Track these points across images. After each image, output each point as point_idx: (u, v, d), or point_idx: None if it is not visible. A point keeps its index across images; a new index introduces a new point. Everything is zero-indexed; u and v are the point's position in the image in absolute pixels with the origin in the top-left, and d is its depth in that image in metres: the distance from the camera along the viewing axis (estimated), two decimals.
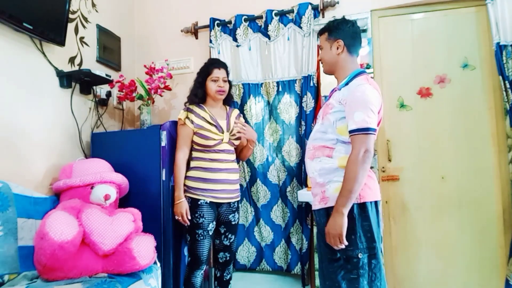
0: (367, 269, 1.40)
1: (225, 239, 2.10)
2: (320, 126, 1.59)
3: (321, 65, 1.75)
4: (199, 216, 1.96)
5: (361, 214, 1.42)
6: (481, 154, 2.29)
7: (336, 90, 1.59)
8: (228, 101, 2.22)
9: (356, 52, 1.63)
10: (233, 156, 2.11)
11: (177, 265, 2.11)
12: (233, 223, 2.10)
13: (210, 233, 2.00)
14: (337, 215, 1.35)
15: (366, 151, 1.37)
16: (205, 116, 2.06)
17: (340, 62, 1.59)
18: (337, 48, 1.58)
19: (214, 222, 2.03)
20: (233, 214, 2.10)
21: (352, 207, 1.40)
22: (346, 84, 1.53)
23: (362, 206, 1.43)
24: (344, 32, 1.58)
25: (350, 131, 1.42)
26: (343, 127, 1.48)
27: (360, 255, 1.39)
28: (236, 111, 2.26)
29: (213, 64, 2.11)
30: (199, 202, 1.98)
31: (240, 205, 2.24)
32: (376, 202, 1.49)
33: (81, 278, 1.53)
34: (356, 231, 1.40)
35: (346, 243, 1.36)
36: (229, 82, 2.16)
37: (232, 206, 2.09)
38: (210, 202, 1.99)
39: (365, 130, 1.38)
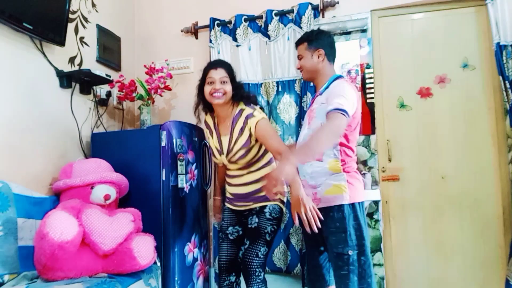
0: (357, 265, 1.49)
1: (243, 246, 1.80)
2: (308, 130, 1.66)
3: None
4: (222, 220, 1.99)
5: (351, 214, 1.51)
6: (481, 154, 2.29)
7: (318, 96, 1.69)
8: (240, 101, 1.84)
9: (334, 60, 1.75)
10: (245, 170, 1.83)
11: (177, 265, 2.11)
12: (249, 226, 1.81)
13: (230, 237, 1.89)
14: (286, 162, 1.35)
15: (336, 125, 1.42)
16: (212, 132, 1.90)
17: (321, 69, 1.69)
18: (318, 57, 1.69)
19: (237, 227, 1.91)
20: (251, 217, 1.82)
21: (343, 207, 1.51)
22: (327, 87, 1.64)
23: (352, 206, 1.53)
24: (324, 42, 1.70)
25: (327, 112, 1.47)
26: None
27: (350, 252, 1.48)
28: (245, 113, 1.77)
29: (209, 65, 1.86)
30: (224, 207, 2.01)
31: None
32: (363, 203, 1.59)
33: (81, 278, 1.53)
34: (346, 230, 1.50)
35: (282, 190, 1.40)
36: (235, 82, 1.83)
37: (253, 209, 1.84)
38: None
39: (341, 110, 1.43)
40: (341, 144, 1.58)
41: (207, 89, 1.78)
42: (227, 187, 1.96)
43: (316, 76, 1.71)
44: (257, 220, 1.78)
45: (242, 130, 1.77)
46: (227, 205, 1.97)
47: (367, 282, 1.49)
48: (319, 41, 1.69)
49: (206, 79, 1.80)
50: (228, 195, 1.96)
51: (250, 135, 1.75)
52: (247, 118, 1.76)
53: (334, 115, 1.43)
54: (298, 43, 1.76)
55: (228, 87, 1.78)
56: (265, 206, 1.79)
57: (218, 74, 1.78)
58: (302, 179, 1.62)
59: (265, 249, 1.74)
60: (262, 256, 1.72)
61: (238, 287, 1.90)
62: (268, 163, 1.87)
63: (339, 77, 1.68)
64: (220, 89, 1.75)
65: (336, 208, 1.53)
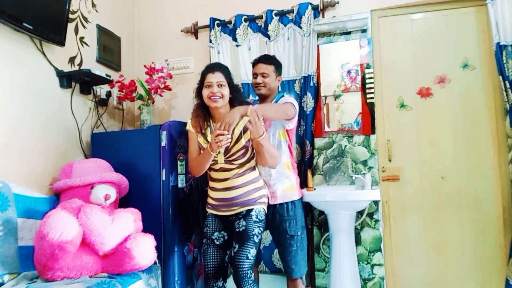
0: (301, 241, 1.96)
1: (232, 250, 1.80)
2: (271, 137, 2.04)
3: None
4: (205, 226, 1.94)
5: (299, 206, 1.99)
6: (481, 154, 2.29)
7: None
8: (239, 105, 1.85)
9: None
10: (233, 172, 1.84)
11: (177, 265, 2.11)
12: (236, 230, 1.81)
13: (216, 242, 1.88)
14: (237, 110, 1.78)
15: (287, 107, 1.91)
16: (206, 132, 1.89)
17: (275, 91, 2.11)
18: (278, 82, 2.10)
19: (223, 232, 1.90)
20: (238, 221, 1.82)
21: (295, 202, 1.96)
22: (276, 101, 2.04)
23: (300, 200, 2.01)
24: (281, 71, 2.13)
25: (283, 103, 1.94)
26: (281, 131, 1.99)
27: (299, 233, 1.95)
28: (246, 118, 1.80)
29: (207, 68, 1.88)
30: (207, 213, 1.96)
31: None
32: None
33: (81, 278, 1.53)
34: (297, 217, 1.96)
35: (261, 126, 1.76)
36: (233, 85, 1.87)
37: (240, 213, 1.85)
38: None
39: (291, 103, 1.93)
40: (288, 144, 2.02)
41: (205, 92, 1.81)
42: (210, 192, 1.92)
43: (271, 94, 2.06)
44: (244, 223, 1.79)
45: (244, 131, 1.83)
46: (210, 211, 1.93)
47: (304, 253, 1.99)
48: (280, 70, 2.11)
49: (204, 82, 1.83)
50: (211, 201, 1.92)
51: (249, 139, 1.82)
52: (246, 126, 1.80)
53: (287, 104, 1.93)
54: (266, 62, 2.04)
55: (226, 91, 1.81)
56: (251, 210, 1.82)
57: (215, 78, 1.81)
58: (263, 178, 1.94)
59: (254, 250, 1.76)
60: (252, 258, 1.74)
61: None
62: (254, 168, 1.91)
63: (283, 94, 2.16)
64: (217, 92, 1.79)
65: (291, 202, 1.95)
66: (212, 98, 1.79)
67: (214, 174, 1.89)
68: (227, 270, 1.91)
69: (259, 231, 1.81)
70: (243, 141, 1.81)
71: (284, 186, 1.95)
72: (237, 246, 1.76)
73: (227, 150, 1.82)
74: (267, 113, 1.84)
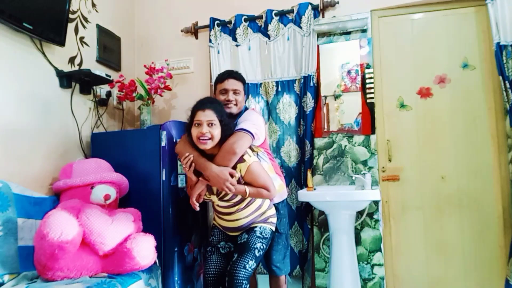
0: (286, 240, 2.03)
1: (231, 260, 1.77)
2: None
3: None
4: (211, 236, 1.93)
5: (287, 205, 2.11)
6: (481, 154, 2.29)
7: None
8: None
9: None
10: (234, 208, 1.77)
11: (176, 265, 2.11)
12: (238, 241, 1.81)
13: (221, 251, 1.85)
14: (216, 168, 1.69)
15: (236, 142, 1.69)
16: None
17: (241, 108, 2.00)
18: (245, 100, 2.02)
19: (229, 243, 1.88)
20: (241, 235, 1.82)
21: (284, 201, 2.03)
22: (239, 117, 1.93)
23: (283, 202, 2.04)
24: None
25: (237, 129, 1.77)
26: (253, 146, 1.88)
27: (286, 231, 2.03)
28: (247, 161, 1.70)
29: (197, 105, 1.73)
30: (213, 225, 1.97)
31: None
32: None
33: (81, 278, 1.53)
34: (286, 216, 2.04)
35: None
36: (225, 123, 1.71)
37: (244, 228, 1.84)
38: None
39: (244, 130, 1.73)
40: (266, 152, 1.95)
41: (194, 132, 1.69)
42: (216, 218, 1.90)
43: (238, 113, 1.95)
44: (246, 236, 1.78)
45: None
46: (217, 224, 1.92)
47: (288, 252, 2.06)
48: (246, 89, 2.08)
49: (193, 120, 1.70)
50: (218, 222, 1.91)
51: (241, 176, 1.71)
52: (237, 162, 1.69)
53: (237, 133, 1.73)
54: (237, 78, 1.96)
55: (216, 131, 1.68)
56: (255, 226, 1.80)
57: (205, 116, 1.67)
58: None
59: (253, 263, 1.71)
60: (249, 269, 1.68)
61: None
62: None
63: (246, 108, 2.04)
64: (207, 133, 1.65)
65: (281, 202, 2.00)
66: (201, 140, 1.66)
67: (217, 207, 1.84)
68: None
69: (262, 247, 1.76)
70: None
71: (277, 183, 1.87)
72: (236, 255, 1.73)
73: (218, 192, 1.76)
74: (228, 164, 1.68)
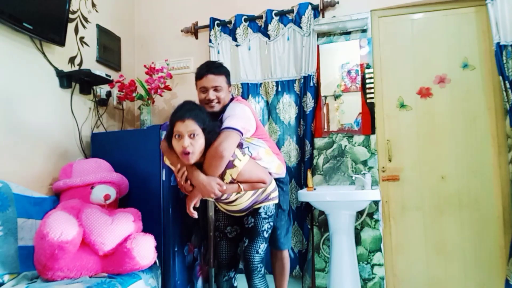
0: (288, 217, 2.07)
1: (243, 244, 1.85)
2: None
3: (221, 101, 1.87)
4: (217, 220, 2.01)
5: (285, 185, 2.02)
6: (481, 154, 2.29)
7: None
8: None
9: None
10: (233, 197, 1.74)
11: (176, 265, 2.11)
12: (246, 226, 1.83)
13: (229, 236, 1.95)
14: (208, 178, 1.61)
15: (221, 144, 1.55)
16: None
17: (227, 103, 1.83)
18: (229, 92, 1.87)
19: (236, 226, 1.94)
20: (247, 217, 1.83)
21: (284, 180, 2.00)
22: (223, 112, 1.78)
23: (285, 179, 2.02)
24: (230, 79, 1.88)
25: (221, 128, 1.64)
26: (246, 138, 1.78)
27: (288, 208, 2.05)
28: (238, 167, 1.60)
29: (175, 115, 1.56)
30: (216, 208, 2.01)
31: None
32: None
33: (81, 278, 1.53)
34: (287, 193, 2.06)
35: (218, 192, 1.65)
36: (209, 129, 1.57)
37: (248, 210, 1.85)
38: None
39: (230, 129, 1.61)
40: (260, 138, 1.84)
41: (176, 146, 1.55)
42: (219, 205, 1.92)
43: (222, 110, 1.78)
44: (253, 220, 1.81)
45: (221, 176, 1.62)
46: (221, 207, 1.94)
47: (290, 230, 2.12)
48: (230, 78, 1.85)
49: (173, 131, 1.56)
50: (221, 207, 1.93)
51: (232, 178, 1.63)
52: (226, 168, 1.59)
53: (224, 133, 1.59)
54: (216, 72, 1.76)
55: (199, 142, 1.53)
56: (259, 207, 1.82)
57: (186, 127, 1.52)
58: None
59: (264, 245, 1.82)
60: (262, 252, 1.80)
61: (235, 281, 1.98)
62: None
63: (232, 98, 1.88)
64: (188, 147, 1.51)
65: (282, 179, 2.00)
66: (184, 155, 1.53)
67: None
68: (238, 262, 1.99)
69: (269, 226, 1.84)
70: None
71: (275, 165, 1.84)
72: (247, 241, 1.82)
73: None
74: (215, 174, 1.58)
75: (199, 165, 1.62)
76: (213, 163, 1.56)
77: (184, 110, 1.56)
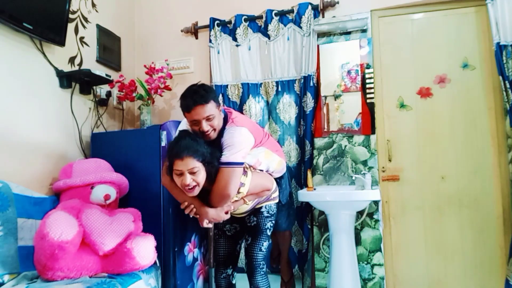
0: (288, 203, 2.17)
1: (245, 242, 1.92)
2: None
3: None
4: None
5: (284, 181, 2.13)
6: (481, 154, 2.29)
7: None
8: None
9: None
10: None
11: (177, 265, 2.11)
12: (248, 224, 1.89)
13: (228, 233, 1.99)
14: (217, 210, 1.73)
15: (227, 186, 1.61)
16: None
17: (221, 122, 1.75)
18: (220, 111, 1.75)
19: (235, 224, 1.98)
20: (249, 216, 1.90)
21: (279, 179, 2.05)
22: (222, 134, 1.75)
23: (283, 176, 2.11)
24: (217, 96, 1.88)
25: (220, 163, 1.64)
26: None
27: (287, 197, 2.15)
28: (243, 192, 1.74)
29: (171, 152, 1.57)
30: None
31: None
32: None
33: (81, 278, 1.53)
34: (283, 191, 2.12)
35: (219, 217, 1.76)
36: (208, 161, 1.58)
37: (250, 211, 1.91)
38: None
39: (231, 164, 1.63)
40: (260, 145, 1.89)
41: (178, 181, 1.58)
42: None
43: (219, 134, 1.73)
44: (255, 218, 1.88)
45: None
46: None
47: (292, 209, 2.29)
48: (216, 97, 1.74)
49: (173, 167, 1.57)
50: None
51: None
52: None
53: (225, 171, 1.62)
54: (204, 102, 1.62)
55: (201, 175, 1.56)
56: (261, 207, 1.88)
57: (185, 166, 1.52)
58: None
59: (267, 243, 1.87)
60: (265, 250, 1.85)
61: (234, 278, 2.00)
62: None
63: (225, 116, 1.78)
64: (191, 182, 1.54)
65: (281, 176, 2.10)
66: (187, 189, 1.57)
67: None
68: (237, 259, 2.03)
69: (271, 224, 1.89)
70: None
71: (275, 163, 1.96)
72: (250, 239, 1.86)
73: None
74: (223, 205, 1.72)
75: (204, 191, 1.68)
76: (221, 202, 1.68)
77: (181, 148, 1.54)
